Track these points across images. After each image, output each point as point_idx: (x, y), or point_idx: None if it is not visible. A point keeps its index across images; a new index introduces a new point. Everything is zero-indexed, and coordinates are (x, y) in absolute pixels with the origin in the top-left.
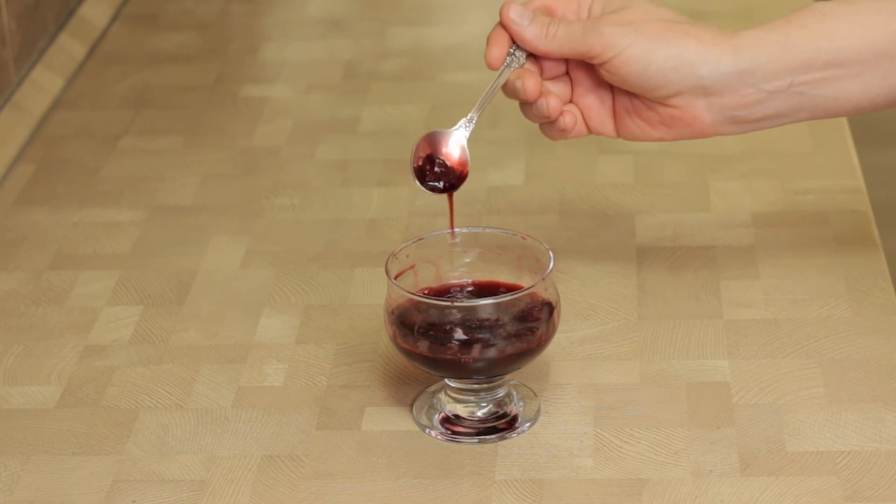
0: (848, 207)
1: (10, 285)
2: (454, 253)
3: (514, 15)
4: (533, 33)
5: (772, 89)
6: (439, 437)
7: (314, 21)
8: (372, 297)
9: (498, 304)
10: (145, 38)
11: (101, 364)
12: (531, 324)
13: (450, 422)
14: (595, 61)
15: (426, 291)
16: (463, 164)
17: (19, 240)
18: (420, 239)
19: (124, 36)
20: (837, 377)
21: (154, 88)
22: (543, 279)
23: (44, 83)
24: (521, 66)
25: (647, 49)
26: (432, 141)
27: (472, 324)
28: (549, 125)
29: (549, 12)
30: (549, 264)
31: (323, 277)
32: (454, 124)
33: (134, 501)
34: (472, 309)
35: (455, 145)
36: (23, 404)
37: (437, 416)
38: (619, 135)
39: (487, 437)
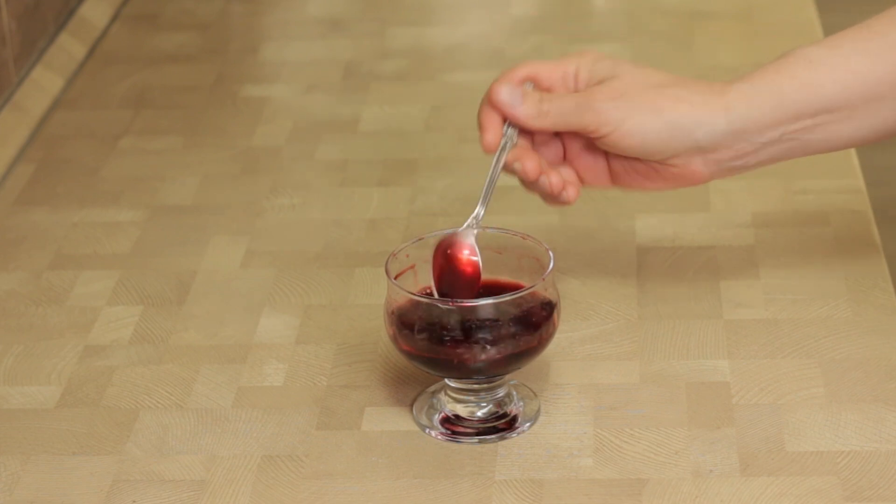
0: (848, 207)
1: (10, 285)
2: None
3: (506, 97)
4: (526, 114)
5: (765, 141)
6: (439, 437)
7: (314, 21)
8: (372, 297)
9: (498, 304)
10: (145, 38)
11: (101, 364)
12: (531, 324)
13: (450, 422)
14: (591, 136)
15: (426, 291)
16: (475, 271)
17: (19, 240)
18: (420, 239)
19: (124, 36)
20: (837, 377)
21: (154, 88)
22: (543, 279)
23: (44, 83)
24: (515, 142)
25: (641, 121)
26: (444, 248)
27: (473, 324)
28: (551, 197)
29: (534, 81)
30: (549, 264)
31: (323, 277)
32: (454, 125)
33: (134, 501)
34: (472, 309)
35: (467, 252)
36: (23, 404)
37: (437, 416)
38: (614, 186)
39: (487, 437)
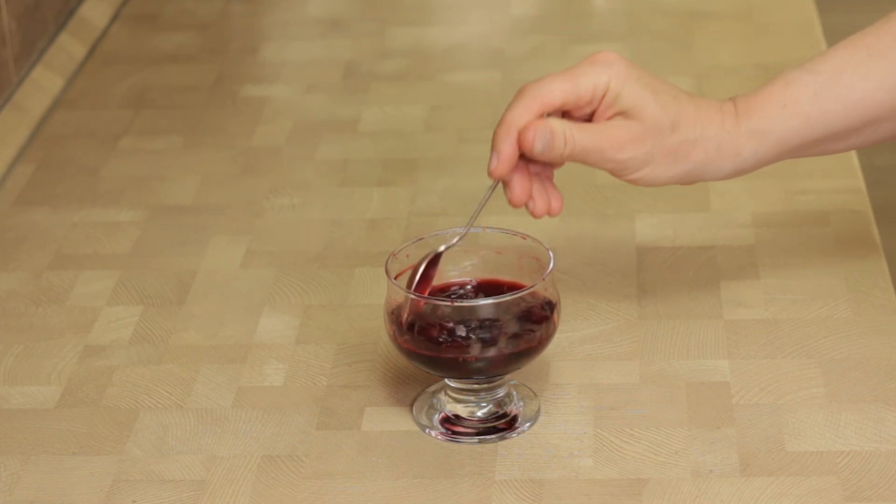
0: (848, 207)
1: (10, 285)
2: (455, 252)
3: (540, 148)
4: (552, 158)
5: (768, 164)
6: (439, 437)
7: (314, 21)
8: (372, 297)
9: (498, 304)
10: (145, 38)
11: (101, 364)
12: (531, 324)
13: (450, 422)
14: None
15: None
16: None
17: (19, 240)
18: (420, 239)
19: (124, 36)
20: (837, 377)
21: (154, 88)
22: (543, 279)
23: (44, 83)
24: None
25: (657, 171)
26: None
27: (473, 323)
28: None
29: (564, 107)
30: (549, 264)
31: (323, 277)
32: (454, 125)
33: (134, 501)
34: (473, 309)
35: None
36: (23, 404)
37: (437, 416)
38: None
39: (487, 437)
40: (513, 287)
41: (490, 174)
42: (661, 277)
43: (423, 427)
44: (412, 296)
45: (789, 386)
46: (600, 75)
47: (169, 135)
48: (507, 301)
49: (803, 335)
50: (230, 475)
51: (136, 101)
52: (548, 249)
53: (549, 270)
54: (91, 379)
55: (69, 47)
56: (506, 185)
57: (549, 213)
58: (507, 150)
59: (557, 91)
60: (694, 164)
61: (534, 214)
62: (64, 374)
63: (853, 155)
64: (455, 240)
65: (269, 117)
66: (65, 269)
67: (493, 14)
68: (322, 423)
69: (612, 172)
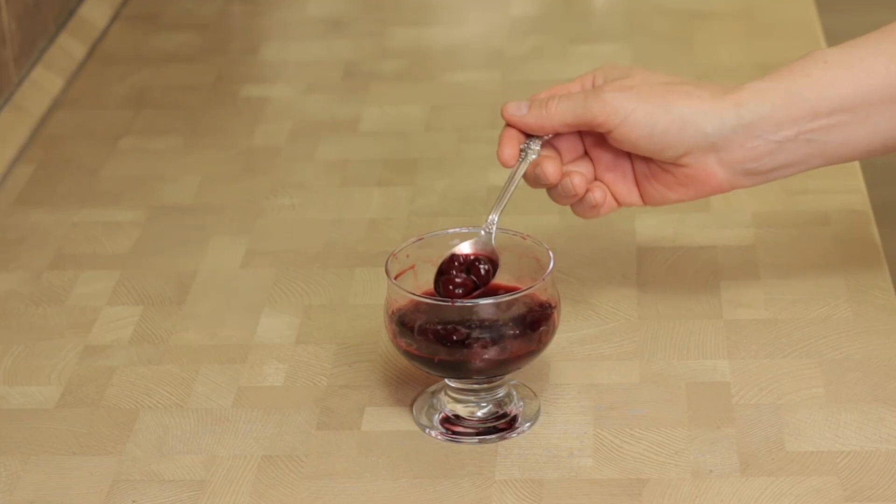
0: (848, 207)
1: (10, 285)
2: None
3: (512, 109)
4: (534, 116)
5: (780, 139)
6: (439, 437)
7: (314, 21)
8: (372, 297)
9: (498, 304)
10: (145, 38)
11: (101, 364)
12: (531, 324)
13: (450, 422)
14: (601, 129)
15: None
16: (491, 257)
17: (19, 240)
18: (420, 239)
19: (124, 36)
20: (837, 377)
21: (154, 88)
22: (543, 279)
23: (44, 83)
24: (538, 155)
25: (650, 112)
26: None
27: (472, 324)
28: (579, 204)
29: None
30: (549, 264)
31: (323, 277)
32: (454, 125)
33: (134, 501)
34: (472, 309)
35: (482, 248)
36: (23, 404)
37: (437, 416)
38: (644, 202)
39: (487, 437)
40: (513, 287)
41: (500, 163)
42: (661, 277)
43: (423, 427)
44: (413, 296)
45: (789, 386)
46: (587, 76)
47: (169, 135)
48: (507, 301)
49: (803, 335)
50: (230, 475)
51: (136, 101)
52: (548, 249)
53: (549, 270)
54: (91, 379)
55: (69, 47)
56: (531, 175)
57: (594, 201)
58: (506, 136)
59: (546, 91)
60: (689, 108)
61: (574, 191)
62: (64, 374)
63: None
64: (485, 225)
65: (269, 117)
66: (65, 269)
67: (493, 14)
68: (322, 423)
69: (606, 124)
